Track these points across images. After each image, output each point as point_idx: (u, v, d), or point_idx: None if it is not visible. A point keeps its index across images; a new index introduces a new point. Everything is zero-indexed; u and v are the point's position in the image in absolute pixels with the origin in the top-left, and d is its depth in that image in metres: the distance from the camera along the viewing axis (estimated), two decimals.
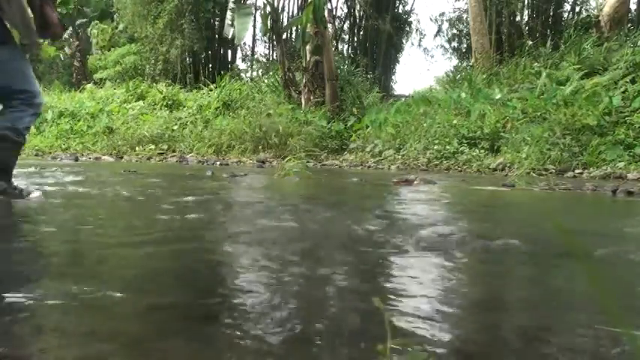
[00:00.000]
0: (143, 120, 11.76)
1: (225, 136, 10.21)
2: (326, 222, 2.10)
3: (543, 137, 6.25)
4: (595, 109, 6.24)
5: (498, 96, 8.01)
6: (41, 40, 2.86)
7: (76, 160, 8.34)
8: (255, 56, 19.96)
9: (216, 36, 17.63)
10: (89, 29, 17.32)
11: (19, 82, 2.66)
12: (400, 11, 20.45)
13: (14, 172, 2.65)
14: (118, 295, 1.01)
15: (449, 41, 20.86)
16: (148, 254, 1.42)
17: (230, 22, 11.68)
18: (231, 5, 11.80)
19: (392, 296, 1.03)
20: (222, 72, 15.12)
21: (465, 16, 18.31)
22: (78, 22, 17.83)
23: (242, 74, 17.52)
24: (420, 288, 1.10)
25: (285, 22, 14.71)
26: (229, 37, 12.22)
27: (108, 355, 0.72)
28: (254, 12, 11.99)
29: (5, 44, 2.65)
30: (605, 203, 3.22)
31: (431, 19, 38.27)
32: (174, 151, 10.42)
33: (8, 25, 2.64)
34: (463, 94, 8.83)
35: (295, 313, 0.93)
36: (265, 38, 18.90)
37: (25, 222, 1.97)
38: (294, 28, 15.88)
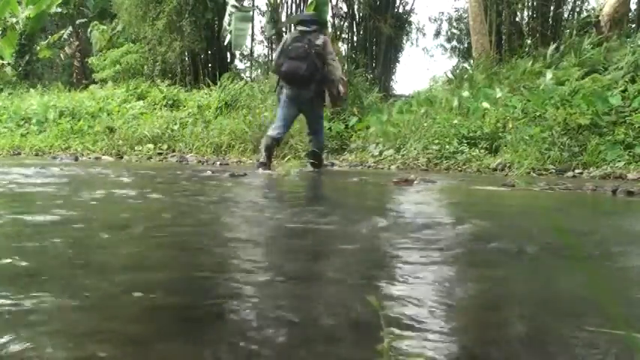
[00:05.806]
0: (144, 120, 11.74)
1: (225, 135, 10.19)
2: (325, 221, 2.09)
3: (542, 137, 6.24)
4: (594, 109, 6.24)
5: (499, 95, 7.98)
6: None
7: (76, 159, 8.32)
8: (254, 56, 19.93)
9: (216, 35, 17.59)
10: (88, 30, 17.29)
11: (320, 125, 5.54)
12: (400, 11, 20.43)
13: None
14: (118, 294, 1.01)
15: (448, 41, 20.86)
16: (146, 254, 1.42)
17: (227, 27, 11.45)
18: (229, 10, 11.55)
19: (392, 296, 1.03)
20: (221, 72, 15.07)
21: (464, 15, 18.31)
22: (78, 22, 17.81)
23: (242, 74, 17.49)
24: (420, 288, 1.10)
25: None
26: (225, 43, 11.98)
27: (108, 356, 0.72)
28: (253, 17, 11.68)
29: (322, 107, 5.30)
30: (606, 203, 3.22)
31: (430, 20, 38.21)
32: (174, 151, 10.41)
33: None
34: (465, 94, 8.82)
35: (295, 313, 0.93)
36: (264, 38, 18.87)
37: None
38: (293, 28, 15.83)
